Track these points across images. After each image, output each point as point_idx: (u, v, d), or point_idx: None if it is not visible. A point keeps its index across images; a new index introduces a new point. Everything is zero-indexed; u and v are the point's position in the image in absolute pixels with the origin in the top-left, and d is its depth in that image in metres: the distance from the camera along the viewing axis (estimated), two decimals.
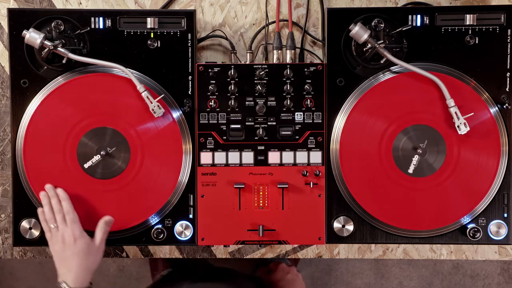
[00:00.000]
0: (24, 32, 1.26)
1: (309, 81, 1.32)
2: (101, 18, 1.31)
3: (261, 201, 1.33)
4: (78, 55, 1.29)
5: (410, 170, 1.31)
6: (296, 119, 1.33)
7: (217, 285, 1.54)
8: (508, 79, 1.32)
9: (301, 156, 1.32)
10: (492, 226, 1.33)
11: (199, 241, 1.33)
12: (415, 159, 1.31)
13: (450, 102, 1.28)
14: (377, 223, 1.33)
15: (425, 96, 1.31)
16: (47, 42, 1.27)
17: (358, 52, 1.32)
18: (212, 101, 1.32)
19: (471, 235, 1.32)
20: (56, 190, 1.29)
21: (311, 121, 1.32)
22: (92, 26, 1.32)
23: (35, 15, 1.30)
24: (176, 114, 1.32)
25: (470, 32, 1.31)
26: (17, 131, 1.31)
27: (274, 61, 1.37)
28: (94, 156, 1.31)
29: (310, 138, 1.33)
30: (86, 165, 1.31)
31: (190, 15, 1.32)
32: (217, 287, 1.52)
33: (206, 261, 1.90)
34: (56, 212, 1.27)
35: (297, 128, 1.32)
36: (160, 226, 1.33)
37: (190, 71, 1.33)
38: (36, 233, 1.33)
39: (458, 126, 1.28)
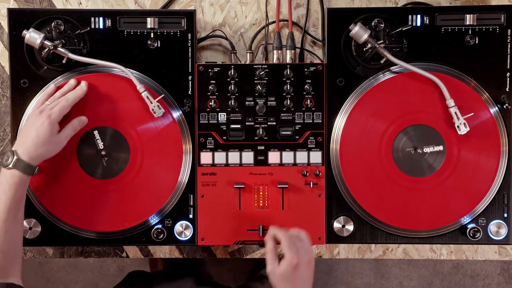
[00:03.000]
0: (24, 32, 1.26)
1: (309, 81, 1.32)
2: (101, 18, 1.31)
3: (261, 201, 1.33)
4: (78, 55, 1.29)
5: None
6: (296, 119, 1.33)
7: None
8: (508, 79, 1.32)
9: (301, 156, 1.32)
10: (492, 226, 1.33)
11: (199, 241, 1.33)
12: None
13: (450, 102, 1.28)
14: (377, 223, 1.33)
15: (425, 96, 1.31)
16: (47, 42, 1.27)
17: (358, 52, 1.32)
18: (212, 101, 1.32)
19: (471, 235, 1.32)
20: (81, 83, 1.29)
21: (311, 121, 1.32)
22: (92, 26, 1.32)
23: (35, 15, 1.31)
24: (176, 114, 1.32)
25: (470, 32, 1.31)
26: (17, 131, 1.31)
27: (274, 61, 1.37)
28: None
29: (310, 138, 1.33)
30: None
31: (190, 15, 1.32)
32: None
33: (205, 263, 1.90)
34: (62, 97, 1.27)
35: (297, 128, 1.33)
36: (160, 226, 1.33)
37: (190, 71, 1.33)
38: (36, 233, 1.33)
39: (458, 126, 1.28)
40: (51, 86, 1.30)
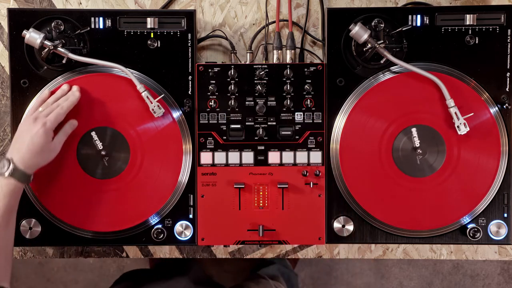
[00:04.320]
0: (24, 32, 1.26)
1: (309, 81, 1.32)
2: (101, 18, 1.31)
3: (261, 201, 1.33)
4: (78, 55, 1.29)
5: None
6: (296, 119, 1.33)
7: None
8: (508, 79, 1.32)
9: (301, 156, 1.32)
10: (492, 226, 1.33)
11: (199, 241, 1.33)
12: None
13: (450, 102, 1.28)
14: (377, 223, 1.33)
15: (425, 96, 1.31)
16: (47, 42, 1.26)
17: (358, 52, 1.32)
18: (212, 101, 1.32)
19: (471, 235, 1.32)
20: (72, 88, 1.29)
21: (311, 121, 1.32)
22: (92, 26, 1.32)
23: (35, 15, 1.30)
24: (176, 114, 1.32)
25: (470, 32, 1.31)
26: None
27: (274, 61, 1.37)
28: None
29: (310, 138, 1.33)
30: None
31: (190, 15, 1.32)
32: None
33: (202, 263, 1.90)
34: (55, 104, 1.26)
35: (297, 128, 1.33)
36: (160, 226, 1.33)
37: (190, 71, 1.33)
38: (36, 233, 1.33)
39: (458, 126, 1.28)
40: (45, 92, 1.29)
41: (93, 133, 1.31)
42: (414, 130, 1.30)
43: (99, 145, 1.31)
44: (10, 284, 1.22)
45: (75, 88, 1.29)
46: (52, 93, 1.29)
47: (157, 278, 1.63)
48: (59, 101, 1.27)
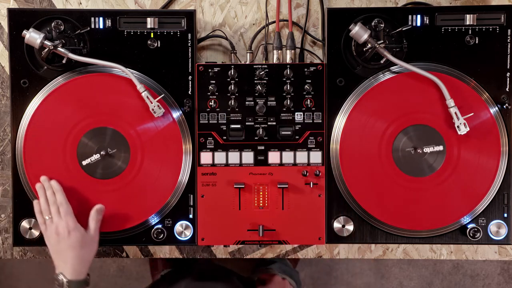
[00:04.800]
0: (24, 32, 1.26)
1: (309, 81, 1.32)
2: (101, 18, 1.31)
3: (261, 201, 1.33)
4: (78, 55, 1.29)
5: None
6: (296, 119, 1.33)
7: (214, 284, 1.53)
8: (508, 79, 1.32)
9: (301, 156, 1.32)
10: (492, 226, 1.33)
11: (199, 241, 1.33)
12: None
13: (450, 102, 1.28)
14: (377, 223, 1.33)
15: (425, 96, 1.31)
16: (47, 42, 1.26)
17: (358, 52, 1.32)
18: (212, 101, 1.32)
19: (471, 235, 1.32)
20: (50, 182, 1.29)
21: (311, 121, 1.32)
22: (92, 26, 1.32)
23: (35, 15, 1.30)
24: (176, 114, 1.32)
25: (470, 32, 1.31)
26: (17, 131, 1.31)
27: (274, 61, 1.37)
28: (94, 155, 1.31)
29: (310, 138, 1.33)
30: (84, 162, 1.30)
31: (190, 15, 1.32)
32: (214, 287, 1.52)
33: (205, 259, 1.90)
34: (51, 204, 1.27)
35: (297, 128, 1.32)
36: (160, 226, 1.33)
37: (190, 71, 1.33)
38: (36, 233, 1.33)
39: (458, 126, 1.28)
40: (35, 204, 1.29)
41: (97, 132, 1.31)
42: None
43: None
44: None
45: (53, 182, 1.29)
46: (37, 197, 1.29)
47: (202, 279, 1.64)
48: (54, 199, 1.28)
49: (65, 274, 1.23)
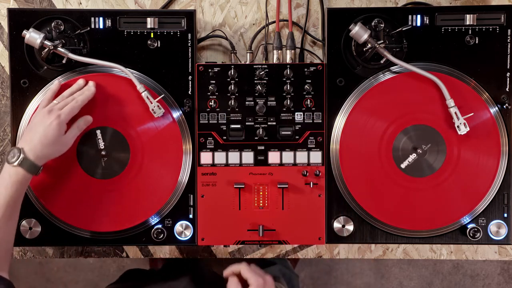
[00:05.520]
0: (24, 32, 1.26)
1: (309, 81, 1.32)
2: (101, 18, 1.31)
3: (261, 201, 1.33)
4: (78, 55, 1.29)
5: (403, 166, 1.31)
6: (296, 119, 1.33)
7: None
8: (508, 79, 1.32)
9: (301, 156, 1.32)
10: (492, 226, 1.33)
11: (199, 241, 1.33)
12: (412, 157, 1.31)
13: (450, 102, 1.28)
14: (377, 223, 1.33)
15: (425, 96, 1.31)
16: (47, 42, 1.27)
17: (358, 52, 1.32)
18: (212, 101, 1.32)
19: (471, 235, 1.32)
20: (88, 83, 1.29)
21: (311, 121, 1.33)
22: (92, 26, 1.32)
23: (35, 15, 1.30)
24: (176, 114, 1.32)
25: (470, 32, 1.31)
26: (17, 131, 1.31)
27: (274, 61, 1.37)
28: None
29: (310, 138, 1.33)
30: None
31: (190, 15, 1.32)
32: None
33: (205, 262, 1.90)
34: (71, 97, 1.27)
35: (297, 128, 1.33)
36: (160, 226, 1.33)
37: (190, 71, 1.33)
38: (36, 233, 1.33)
39: (458, 126, 1.28)
40: (55, 82, 1.29)
41: (98, 131, 1.31)
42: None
43: (101, 144, 1.31)
44: (7, 274, 1.22)
45: (91, 83, 1.29)
46: (63, 86, 1.29)
47: (159, 278, 1.63)
48: (75, 95, 1.27)
49: (25, 150, 1.20)
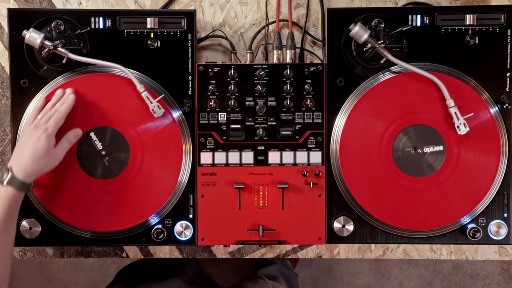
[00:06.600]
0: (24, 32, 1.26)
1: (309, 81, 1.32)
2: (101, 18, 1.31)
3: (261, 201, 1.33)
4: (78, 55, 1.29)
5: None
6: (296, 119, 1.33)
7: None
8: (508, 79, 1.32)
9: (301, 156, 1.32)
10: (492, 226, 1.33)
11: (199, 241, 1.33)
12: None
13: (450, 102, 1.28)
14: (377, 223, 1.33)
15: (425, 96, 1.31)
16: (47, 42, 1.27)
17: (358, 52, 1.32)
18: (212, 101, 1.32)
19: (471, 235, 1.32)
20: (68, 94, 1.29)
21: (311, 121, 1.32)
22: (92, 26, 1.32)
23: (35, 15, 1.31)
24: (176, 114, 1.32)
25: (470, 32, 1.31)
26: (17, 131, 1.31)
27: (274, 61, 1.37)
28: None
29: (310, 138, 1.33)
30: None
31: (190, 15, 1.32)
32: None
33: (199, 262, 1.90)
34: (53, 109, 1.27)
35: (297, 128, 1.33)
36: (160, 226, 1.33)
37: (190, 71, 1.33)
38: (36, 233, 1.33)
39: (458, 126, 1.28)
40: (39, 99, 1.30)
41: (92, 134, 1.31)
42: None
43: (99, 146, 1.31)
44: (9, 286, 1.22)
45: (69, 90, 1.29)
46: (47, 100, 1.29)
47: (153, 278, 1.63)
48: (56, 106, 1.27)
49: (13, 168, 1.20)
